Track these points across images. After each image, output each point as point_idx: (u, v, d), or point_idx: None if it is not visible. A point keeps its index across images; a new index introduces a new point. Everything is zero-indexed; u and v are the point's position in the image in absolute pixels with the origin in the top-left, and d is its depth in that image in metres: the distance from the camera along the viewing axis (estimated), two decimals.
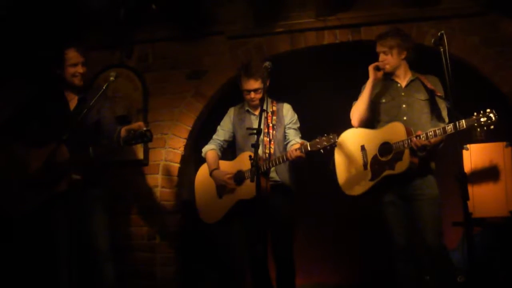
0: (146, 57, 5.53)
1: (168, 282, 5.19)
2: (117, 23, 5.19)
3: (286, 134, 4.61)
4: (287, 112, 4.66)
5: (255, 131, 3.91)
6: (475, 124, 3.77)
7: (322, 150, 4.14)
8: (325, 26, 5.13)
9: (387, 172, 4.11)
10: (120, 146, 4.14)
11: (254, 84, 4.52)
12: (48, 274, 4.40)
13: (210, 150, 4.76)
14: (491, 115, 3.75)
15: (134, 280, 5.12)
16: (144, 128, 3.98)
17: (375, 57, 4.28)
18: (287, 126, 4.61)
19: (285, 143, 4.60)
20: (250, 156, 4.45)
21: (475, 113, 3.80)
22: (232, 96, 5.04)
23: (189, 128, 5.36)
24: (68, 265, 4.19)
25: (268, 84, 4.45)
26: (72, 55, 4.34)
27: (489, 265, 4.61)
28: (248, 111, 4.70)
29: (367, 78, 4.39)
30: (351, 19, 5.08)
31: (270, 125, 4.55)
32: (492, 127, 3.76)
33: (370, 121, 4.37)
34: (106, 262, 4.32)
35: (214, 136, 4.83)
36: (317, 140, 4.15)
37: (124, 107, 5.39)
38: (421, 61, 4.27)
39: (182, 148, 5.36)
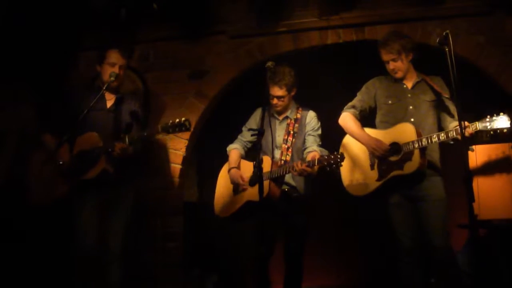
0: (147, 57, 5.50)
1: (170, 285, 5.15)
2: (118, 23, 5.14)
3: (306, 140, 4.60)
4: (310, 119, 4.65)
5: (257, 132, 3.89)
6: (488, 127, 3.80)
7: (328, 168, 4.12)
8: (328, 25, 5.10)
9: (396, 172, 4.09)
10: (156, 134, 4.40)
11: (278, 91, 4.51)
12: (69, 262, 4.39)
13: (234, 149, 4.78)
14: (505, 118, 3.78)
15: (135, 283, 5.06)
16: (183, 118, 4.19)
17: (379, 58, 4.25)
18: (307, 133, 4.60)
19: (303, 149, 4.58)
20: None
21: (488, 116, 3.81)
22: (234, 96, 4.99)
23: (191, 129, 5.30)
24: (92, 253, 4.26)
25: (294, 93, 4.55)
26: (113, 55, 4.48)
27: (494, 268, 4.56)
28: (273, 115, 4.69)
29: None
30: (354, 18, 5.05)
31: (291, 132, 4.57)
32: (505, 130, 3.76)
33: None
34: (115, 265, 4.36)
35: (239, 136, 4.85)
36: (325, 157, 4.16)
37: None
38: (425, 61, 4.24)
39: (183, 149, 5.31)
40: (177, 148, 5.31)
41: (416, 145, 4.01)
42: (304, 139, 4.61)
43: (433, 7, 4.88)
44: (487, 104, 4.19)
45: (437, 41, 3.67)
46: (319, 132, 4.64)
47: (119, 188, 4.39)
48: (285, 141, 4.58)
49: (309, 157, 4.39)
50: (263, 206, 3.85)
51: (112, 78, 4.38)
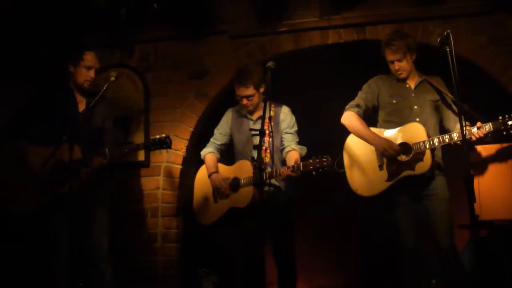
0: (148, 57, 5.48)
1: (169, 286, 5.14)
2: (118, 23, 5.13)
3: (283, 139, 4.53)
4: (285, 116, 4.58)
5: (258, 132, 3.88)
6: (502, 127, 3.86)
7: (314, 172, 4.11)
8: (329, 25, 5.09)
9: (407, 173, 4.08)
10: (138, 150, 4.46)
11: (245, 91, 4.47)
12: (46, 274, 4.34)
13: (209, 153, 4.74)
14: None
15: (135, 284, 5.07)
16: (164, 135, 4.18)
17: (381, 58, 4.23)
18: (284, 131, 4.54)
19: (281, 148, 4.53)
20: (252, 158, 4.43)
21: (500, 117, 3.87)
22: (235, 96, 4.96)
23: (191, 129, 5.31)
24: (67, 266, 4.17)
25: (263, 89, 4.46)
26: (90, 58, 4.38)
27: (496, 268, 4.54)
28: (245, 116, 4.65)
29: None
30: (355, 18, 5.03)
31: (267, 132, 4.44)
32: None
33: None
34: (105, 265, 4.30)
35: (212, 139, 4.80)
36: (310, 161, 4.14)
37: (125, 108, 5.33)
38: (425, 61, 4.23)
39: (183, 150, 5.31)
40: (177, 148, 5.29)
41: (428, 145, 4.01)
42: (281, 137, 4.54)
43: (434, 7, 4.86)
44: (488, 104, 4.17)
45: (438, 41, 3.66)
46: (296, 128, 4.59)
47: (96, 191, 4.31)
48: (263, 142, 4.46)
49: (291, 159, 4.34)
50: (260, 207, 3.83)
51: (113, 79, 4.28)
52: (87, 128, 4.26)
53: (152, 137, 4.25)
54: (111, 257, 4.32)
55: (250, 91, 4.46)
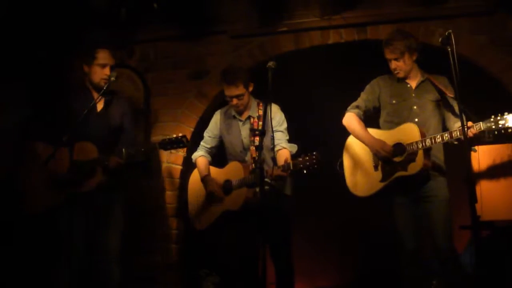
0: (148, 57, 5.48)
1: (169, 286, 5.14)
2: (118, 23, 5.12)
3: (272, 137, 4.46)
4: (275, 114, 4.48)
5: (258, 132, 3.86)
6: (493, 127, 3.79)
7: (305, 170, 4.06)
8: (330, 25, 5.09)
9: (399, 173, 4.08)
10: (154, 150, 4.42)
11: (235, 90, 4.43)
12: (56, 274, 4.33)
13: (200, 156, 4.73)
14: (510, 117, 3.76)
15: (135, 284, 5.05)
16: (180, 134, 4.18)
17: (382, 58, 4.22)
18: (274, 129, 4.42)
19: (271, 146, 4.48)
20: (254, 158, 4.41)
21: (492, 116, 3.80)
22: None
23: (191, 130, 5.31)
24: (78, 266, 4.20)
25: (252, 88, 4.46)
26: (104, 55, 4.37)
27: (497, 270, 4.53)
28: (234, 116, 4.62)
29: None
30: (356, 18, 5.03)
31: (257, 132, 4.41)
32: (510, 130, 3.76)
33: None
34: (114, 264, 4.32)
35: (202, 143, 4.78)
36: (300, 159, 4.09)
37: None
38: (428, 61, 4.22)
39: (184, 150, 5.29)
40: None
41: (420, 146, 4.00)
42: (272, 135, 4.41)
43: (435, 6, 4.86)
44: (489, 104, 4.16)
45: (440, 41, 3.65)
46: (285, 125, 4.54)
47: (111, 192, 4.31)
48: (251, 142, 4.48)
49: (281, 158, 4.29)
50: (261, 210, 3.81)
51: (113, 79, 4.29)
52: (103, 127, 4.29)
53: (168, 136, 4.23)
54: (119, 257, 4.34)
55: (240, 90, 4.43)
